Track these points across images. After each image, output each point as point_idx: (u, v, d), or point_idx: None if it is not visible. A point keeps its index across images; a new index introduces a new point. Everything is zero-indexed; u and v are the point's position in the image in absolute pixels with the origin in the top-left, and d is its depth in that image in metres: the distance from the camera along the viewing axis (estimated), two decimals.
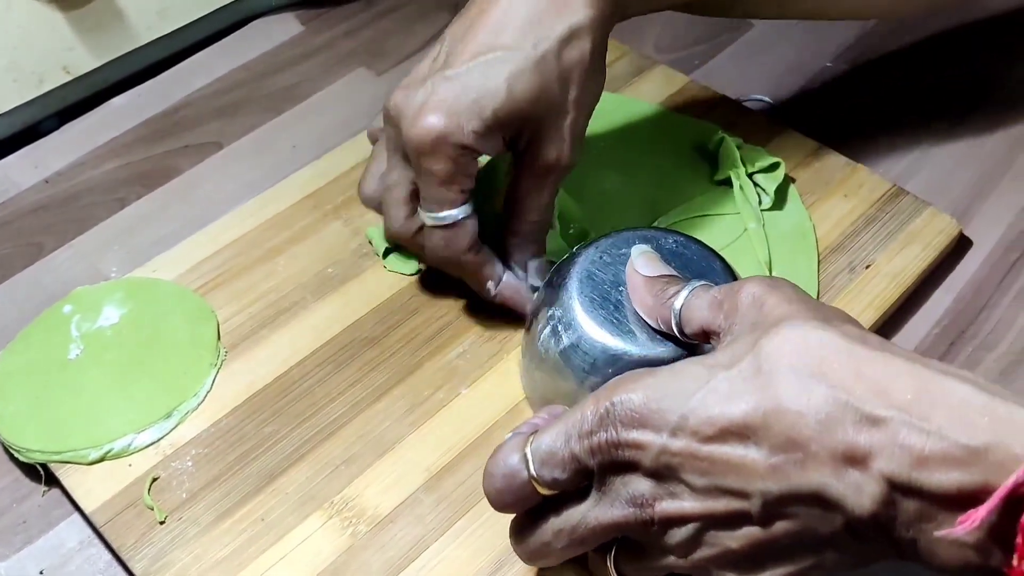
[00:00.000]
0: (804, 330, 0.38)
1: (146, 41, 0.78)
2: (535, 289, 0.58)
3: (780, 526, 0.38)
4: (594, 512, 0.42)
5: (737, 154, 0.65)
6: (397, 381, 0.57)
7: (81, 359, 0.58)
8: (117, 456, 0.54)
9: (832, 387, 0.36)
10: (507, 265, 0.58)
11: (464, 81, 0.52)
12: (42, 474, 0.55)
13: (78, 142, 0.75)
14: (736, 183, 0.65)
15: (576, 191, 0.64)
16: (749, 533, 0.39)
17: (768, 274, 0.61)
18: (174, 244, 0.65)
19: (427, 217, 0.54)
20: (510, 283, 0.58)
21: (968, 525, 0.33)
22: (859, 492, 0.35)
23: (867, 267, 0.61)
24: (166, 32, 0.79)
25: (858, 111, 0.75)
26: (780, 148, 0.69)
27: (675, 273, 0.49)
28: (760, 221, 0.63)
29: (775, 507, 0.37)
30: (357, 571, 0.50)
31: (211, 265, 0.63)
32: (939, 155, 0.71)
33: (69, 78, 0.76)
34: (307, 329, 0.60)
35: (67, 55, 0.75)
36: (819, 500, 0.36)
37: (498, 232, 0.58)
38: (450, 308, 0.61)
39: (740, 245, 0.62)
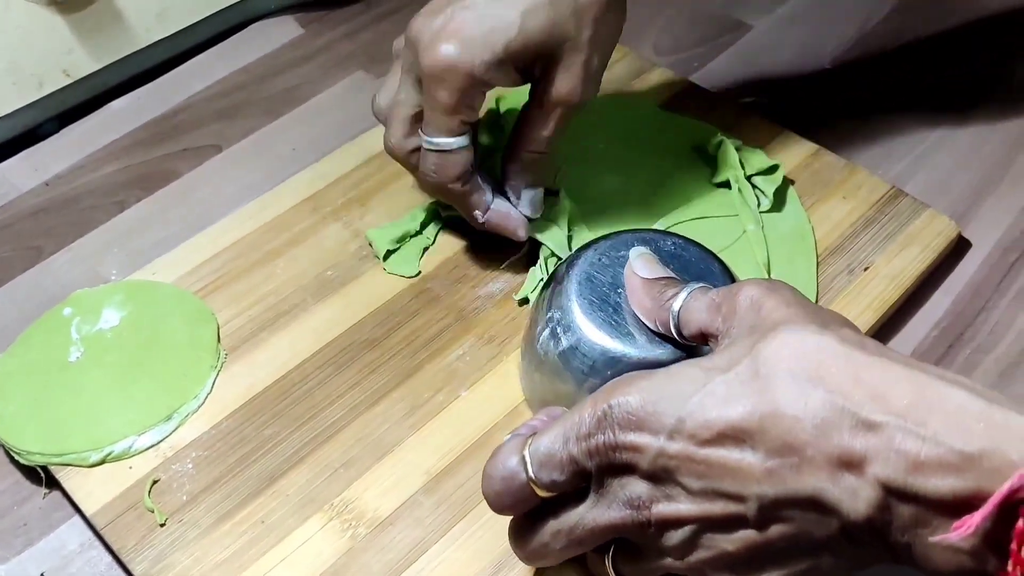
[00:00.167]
0: (802, 334, 0.38)
1: (145, 44, 0.79)
2: (529, 220, 0.60)
3: (776, 530, 0.38)
4: (592, 513, 0.42)
5: (736, 156, 0.65)
6: (397, 383, 0.57)
7: (81, 362, 0.58)
8: (118, 458, 0.54)
9: (829, 391, 0.36)
10: (501, 192, 0.60)
11: (480, 12, 0.53)
12: (43, 476, 0.55)
13: (78, 145, 0.75)
14: (735, 185, 0.65)
15: (575, 192, 0.64)
16: (745, 536, 0.39)
17: (767, 276, 0.61)
18: (174, 247, 0.65)
19: (425, 141, 0.56)
20: (499, 209, 0.60)
21: (963, 531, 0.33)
22: (855, 497, 0.35)
23: (866, 269, 0.62)
24: (165, 35, 0.79)
25: (857, 113, 0.75)
26: (779, 150, 0.69)
27: (674, 275, 0.49)
28: (759, 223, 0.63)
29: (771, 511, 0.37)
30: (357, 573, 0.50)
31: (211, 268, 0.63)
32: (938, 157, 0.71)
33: (69, 81, 0.76)
34: (307, 331, 0.60)
35: (67, 58, 0.75)
36: (815, 504, 0.36)
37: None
38: (450, 310, 0.61)
39: (739, 247, 0.62)
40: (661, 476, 0.40)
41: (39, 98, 0.75)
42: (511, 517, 0.45)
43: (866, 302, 0.60)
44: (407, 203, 0.66)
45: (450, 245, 0.64)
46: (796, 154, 0.69)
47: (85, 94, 0.78)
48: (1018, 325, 0.61)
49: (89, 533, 0.54)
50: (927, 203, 0.65)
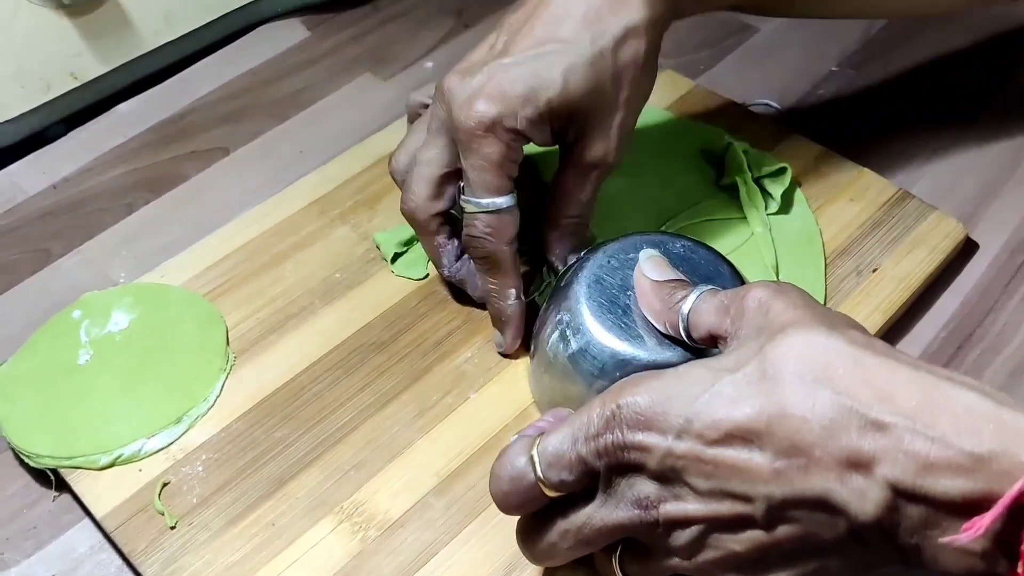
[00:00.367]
0: (810, 336, 0.38)
1: (153, 47, 0.79)
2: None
3: (784, 530, 0.38)
4: (600, 513, 0.42)
5: (744, 159, 0.65)
6: (406, 386, 0.58)
7: (90, 364, 0.58)
8: (127, 461, 0.54)
9: (837, 393, 0.36)
10: (546, 258, 0.59)
11: (521, 69, 0.53)
12: (52, 480, 0.55)
13: (85, 148, 0.75)
14: (743, 187, 0.65)
15: None
16: (753, 537, 0.39)
17: (775, 278, 0.61)
18: (182, 249, 0.65)
19: (473, 204, 0.54)
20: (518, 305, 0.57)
21: (973, 532, 0.33)
22: (863, 498, 0.35)
23: (874, 271, 0.62)
24: (173, 38, 0.80)
25: (864, 115, 0.75)
26: (786, 152, 0.69)
27: (683, 277, 0.49)
28: (767, 225, 0.63)
29: (779, 511, 0.38)
30: None
31: (219, 270, 0.64)
32: (945, 159, 0.71)
33: (76, 84, 0.76)
34: (315, 334, 0.60)
35: (74, 61, 0.75)
36: (823, 505, 0.36)
37: (532, 227, 0.58)
38: (458, 313, 0.61)
39: (747, 249, 0.62)
40: (669, 476, 0.40)
41: (47, 101, 0.75)
42: (519, 517, 0.46)
43: (874, 304, 0.60)
44: None
45: None
46: (803, 156, 0.69)
47: (93, 97, 0.78)
48: None
49: (99, 536, 0.54)
50: (934, 205, 0.65)
